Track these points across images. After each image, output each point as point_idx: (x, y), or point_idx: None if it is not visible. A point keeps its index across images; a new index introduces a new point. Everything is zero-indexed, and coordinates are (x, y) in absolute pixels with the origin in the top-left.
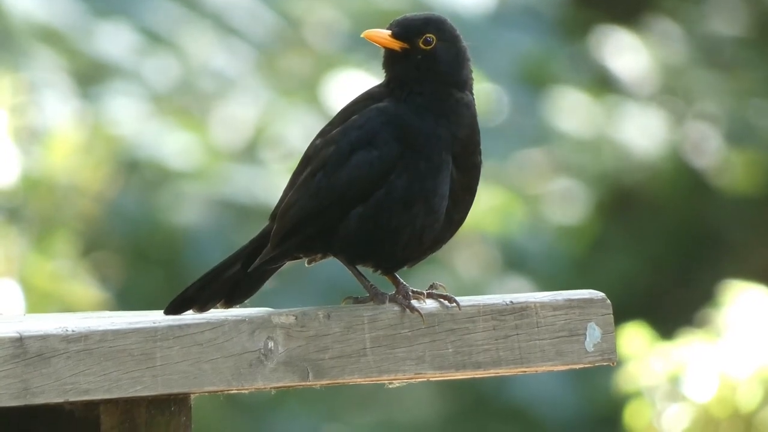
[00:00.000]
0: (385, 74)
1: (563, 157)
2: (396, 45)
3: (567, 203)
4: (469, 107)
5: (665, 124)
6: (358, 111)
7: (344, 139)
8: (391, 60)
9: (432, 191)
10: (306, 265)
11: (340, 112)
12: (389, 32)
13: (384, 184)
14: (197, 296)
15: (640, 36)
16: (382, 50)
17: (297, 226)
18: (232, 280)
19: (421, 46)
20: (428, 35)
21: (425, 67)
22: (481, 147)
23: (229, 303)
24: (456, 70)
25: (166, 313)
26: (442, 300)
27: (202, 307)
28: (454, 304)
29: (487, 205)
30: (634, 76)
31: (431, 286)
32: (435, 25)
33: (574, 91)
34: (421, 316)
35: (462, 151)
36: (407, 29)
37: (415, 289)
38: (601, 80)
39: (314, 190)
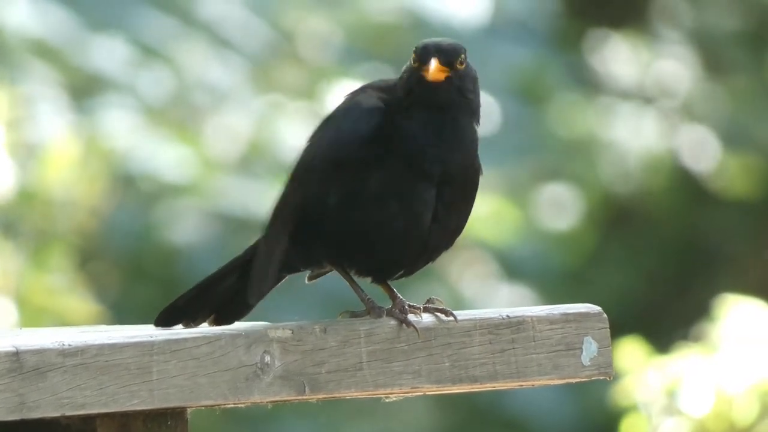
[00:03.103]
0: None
1: (558, 167)
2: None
3: (562, 214)
4: (474, 132)
5: (661, 130)
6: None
7: (323, 126)
8: (436, 89)
9: (410, 194)
10: (306, 281)
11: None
12: (436, 62)
13: (353, 165)
14: (188, 307)
15: (635, 41)
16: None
17: (277, 218)
18: (225, 294)
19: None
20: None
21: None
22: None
23: (219, 321)
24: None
25: (156, 324)
26: (438, 314)
27: (192, 321)
28: (451, 318)
29: (483, 216)
30: (629, 82)
31: (428, 301)
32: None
33: (569, 100)
34: (417, 330)
35: (456, 159)
36: (448, 55)
37: (411, 303)
38: (596, 88)
39: (290, 178)
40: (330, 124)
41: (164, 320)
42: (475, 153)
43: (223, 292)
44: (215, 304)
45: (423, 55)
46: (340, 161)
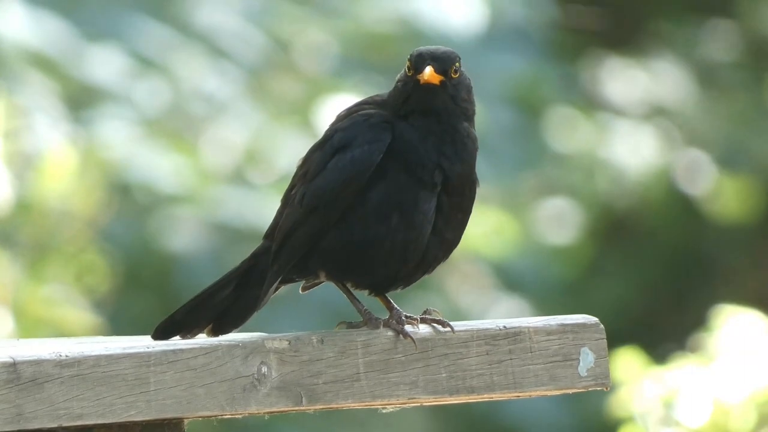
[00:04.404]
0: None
1: (555, 179)
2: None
3: (560, 226)
4: (474, 141)
5: (658, 148)
6: (352, 114)
7: (327, 144)
8: (432, 94)
9: (411, 205)
10: (300, 291)
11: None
12: (431, 68)
13: (363, 189)
14: (185, 320)
15: (633, 60)
16: (403, 81)
17: (284, 240)
18: (222, 305)
19: (452, 75)
20: (456, 64)
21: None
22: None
23: (216, 331)
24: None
25: (154, 337)
26: (435, 324)
27: (189, 333)
28: (448, 329)
29: (481, 228)
30: (626, 100)
31: (425, 312)
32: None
33: (566, 113)
34: (413, 341)
35: (456, 170)
36: (442, 62)
37: (408, 314)
38: (592, 104)
39: (298, 198)
40: (339, 149)
41: (161, 334)
42: (473, 164)
43: (219, 304)
44: (212, 315)
45: (418, 62)
46: (357, 187)
